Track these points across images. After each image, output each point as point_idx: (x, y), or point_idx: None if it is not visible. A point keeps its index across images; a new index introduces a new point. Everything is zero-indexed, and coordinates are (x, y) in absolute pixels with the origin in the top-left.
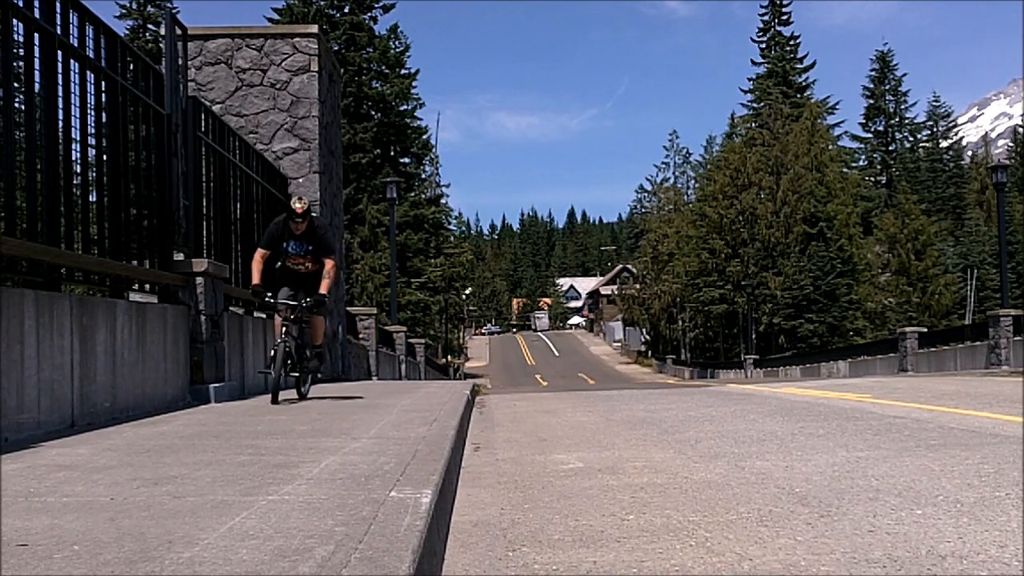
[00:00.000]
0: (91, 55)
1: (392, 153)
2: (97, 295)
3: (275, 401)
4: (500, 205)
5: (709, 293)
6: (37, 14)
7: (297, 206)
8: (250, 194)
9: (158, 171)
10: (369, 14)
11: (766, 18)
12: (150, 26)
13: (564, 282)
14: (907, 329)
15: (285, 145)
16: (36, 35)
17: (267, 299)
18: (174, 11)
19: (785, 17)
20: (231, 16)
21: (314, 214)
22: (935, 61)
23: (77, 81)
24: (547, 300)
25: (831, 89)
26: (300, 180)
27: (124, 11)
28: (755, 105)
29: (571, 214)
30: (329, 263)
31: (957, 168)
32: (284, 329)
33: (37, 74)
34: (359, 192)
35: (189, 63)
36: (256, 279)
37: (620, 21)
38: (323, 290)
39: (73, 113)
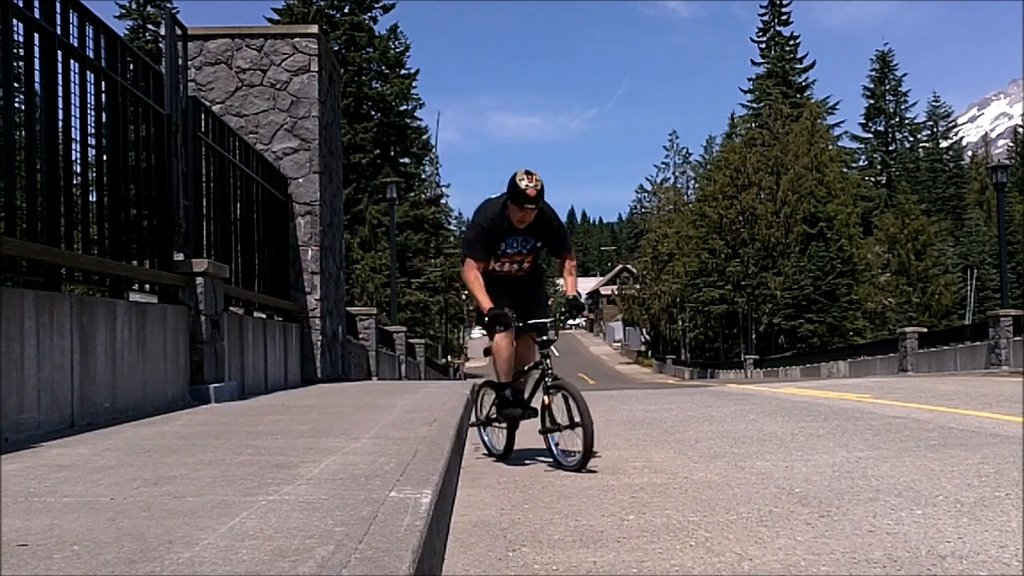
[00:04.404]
0: (91, 55)
1: (392, 153)
2: (97, 295)
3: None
4: None
5: (709, 293)
6: (37, 14)
7: (529, 186)
8: (250, 194)
9: (158, 171)
10: (369, 14)
11: (766, 18)
12: (150, 26)
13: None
14: (907, 329)
15: (285, 145)
16: (36, 35)
17: (517, 324)
18: (174, 11)
19: (785, 17)
20: (231, 16)
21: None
22: (935, 61)
23: (77, 81)
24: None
25: (831, 89)
26: (300, 180)
27: (124, 11)
28: (755, 105)
29: (571, 214)
30: (570, 262)
31: (957, 168)
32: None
33: (37, 74)
34: (359, 192)
35: (189, 63)
36: (488, 300)
37: (620, 21)
38: (573, 291)
39: (73, 113)
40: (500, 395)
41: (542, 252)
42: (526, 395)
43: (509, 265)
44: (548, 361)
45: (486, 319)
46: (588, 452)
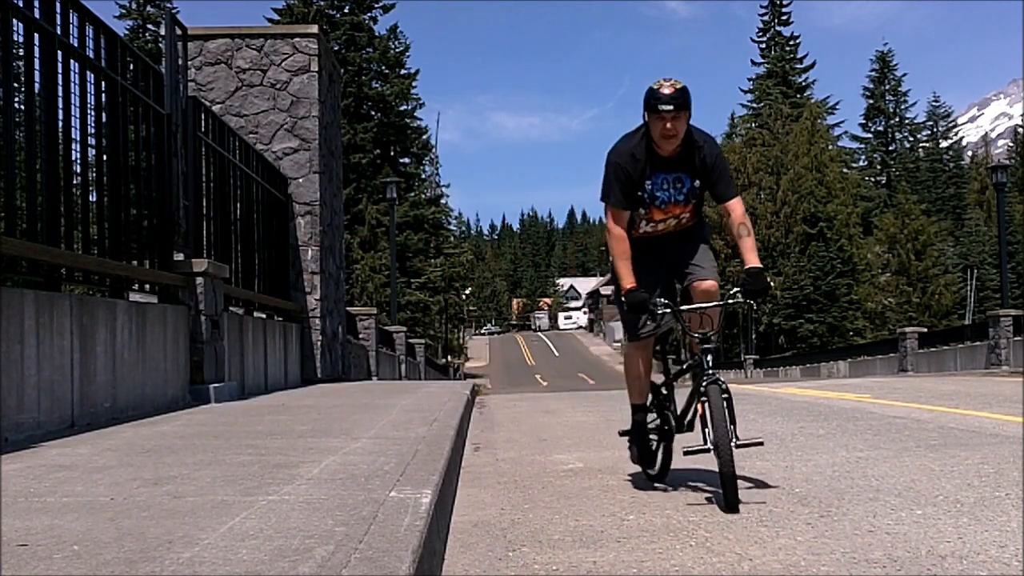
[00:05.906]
0: (91, 55)
1: (392, 153)
2: (97, 295)
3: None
4: (500, 205)
5: None
6: (37, 14)
7: (665, 84)
8: (250, 194)
9: (158, 171)
10: (369, 14)
11: (766, 18)
12: (150, 26)
13: (564, 282)
14: (907, 329)
15: (285, 145)
16: (36, 35)
17: (661, 312)
18: (174, 11)
19: (785, 17)
20: (231, 16)
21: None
22: (935, 61)
23: (77, 81)
24: (547, 300)
25: (831, 89)
26: (300, 180)
27: (124, 11)
28: (755, 105)
29: (571, 214)
30: (739, 210)
31: (957, 168)
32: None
33: (37, 74)
34: (359, 192)
35: (189, 63)
36: (630, 276)
37: (620, 21)
38: (755, 260)
39: (73, 113)
40: (635, 422)
41: (702, 200)
42: (681, 404)
43: (663, 222)
44: (709, 359)
45: (623, 300)
46: (729, 486)
